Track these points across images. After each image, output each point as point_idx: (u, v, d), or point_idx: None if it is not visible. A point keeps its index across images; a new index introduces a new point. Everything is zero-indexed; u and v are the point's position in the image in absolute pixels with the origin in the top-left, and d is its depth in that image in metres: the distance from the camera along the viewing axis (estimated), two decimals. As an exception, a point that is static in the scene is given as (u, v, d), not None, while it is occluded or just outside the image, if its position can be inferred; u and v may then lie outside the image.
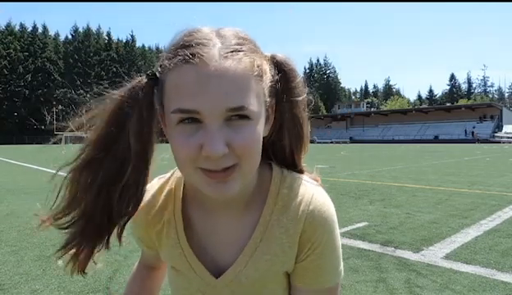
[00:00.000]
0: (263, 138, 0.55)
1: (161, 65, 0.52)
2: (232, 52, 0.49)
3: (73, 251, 0.58)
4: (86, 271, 0.62)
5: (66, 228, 0.57)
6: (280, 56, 0.58)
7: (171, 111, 0.50)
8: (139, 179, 0.56)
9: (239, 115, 0.49)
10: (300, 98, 0.60)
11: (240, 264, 0.60)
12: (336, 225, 0.60)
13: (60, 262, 0.60)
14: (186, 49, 0.49)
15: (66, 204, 0.57)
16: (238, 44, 0.51)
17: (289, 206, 0.59)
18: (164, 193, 0.65)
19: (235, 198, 0.59)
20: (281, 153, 0.63)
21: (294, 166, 0.64)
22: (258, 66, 0.52)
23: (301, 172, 0.65)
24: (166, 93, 0.51)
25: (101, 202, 0.55)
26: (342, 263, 0.62)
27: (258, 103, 0.51)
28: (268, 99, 0.55)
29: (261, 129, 0.53)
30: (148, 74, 0.55)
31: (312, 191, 0.60)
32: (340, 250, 0.61)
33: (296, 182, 0.61)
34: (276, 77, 0.57)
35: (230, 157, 0.49)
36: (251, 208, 0.61)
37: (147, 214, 0.64)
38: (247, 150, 0.50)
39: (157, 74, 0.53)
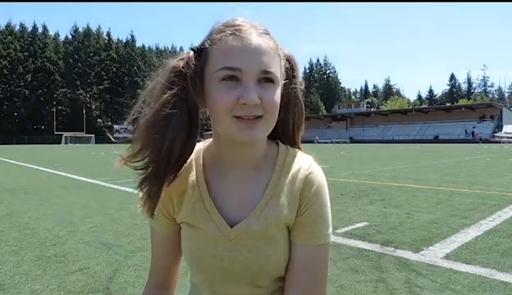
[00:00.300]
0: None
1: (210, 39, 0.68)
2: (263, 33, 0.68)
3: (146, 190, 0.71)
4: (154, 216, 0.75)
5: (141, 169, 0.70)
6: (287, 50, 0.76)
7: (218, 69, 0.65)
8: (197, 131, 0.71)
9: (267, 78, 0.66)
10: (301, 86, 0.79)
11: (253, 217, 0.72)
12: (327, 192, 0.75)
13: (138, 206, 0.75)
14: (232, 27, 0.67)
15: (140, 152, 0.70)
16: (265, 30, 0.69)
17: (292, 170, 0.74)
18: (187, 162, 0.75)
19: (248, 162, 0.74)
20: (286, 128, 0.80)
21: (295, 144, 0.81)
22: (278, 50, 0.71)
23: (299, 149, 0.81)
24: (213, 58, 0.67)
25: (170, 149, 0.68)
26: (331, 229, 0.75)
27: (279, 73, 0.69)
28: (282, 79, 0.73)
29: (279, 93, 0.69)
30: (193, 49, 0.71)
31: (309, 161, 0.76)
32: (330, 216, 0.75)
33: (297, 154, 0.77)
34: (287, 65, 0.75)
35: (259, 109, 0.65)
36: (261, 173, 0.75)
37: (175, 177, 0.74)
38: (271, 105, 0.66)
39: (206, 45, 0.69)
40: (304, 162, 0.75)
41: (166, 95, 0.67)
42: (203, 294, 0.79)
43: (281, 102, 0.71)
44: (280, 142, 0.79)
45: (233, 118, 0.65)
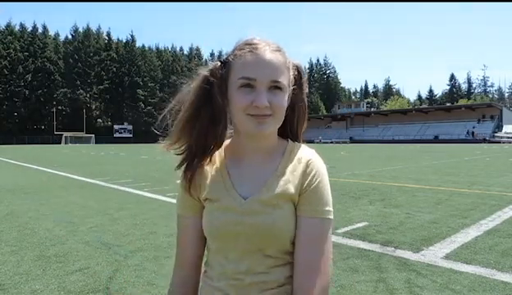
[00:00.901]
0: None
1: (233, 54, 0.86)
2: (275, 51, 0.85)
3: (184, 166, 0.91)
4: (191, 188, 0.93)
5: (180, 154, 0.91)
6: (297, 61, 0.92)
7: (238, 78, 0.83)
8: (221, 125, 0.89)
9: (276, 86, 0.83)
10: (306, 90, 0.95)
11: (263, 189, 0.88)
12: (326, 176, 0.90)
13: (178, 181, 0.93)
14: (251, 45, 0.85)
15: (178, 140, 0.90)
16: (277, 48, 0.86)
17: (297, 157, 0.91)
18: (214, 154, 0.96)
19: (259, 151, 0.91)
20: (292, 125, 0.96)
21: (298, 137, 0.97)
22: (288, 63, 0.87)
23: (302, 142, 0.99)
24: (234, 69, 0.84)
25: (199, 139, 0.88)
26: (332, 208, 0.88)
27: (286, 83, 0.86)
28: (290, 85, 0.89)
29: (286, 98, 0.86)
30: (221, 61, 0.88)
31: (312, 151, 0.93)
32: (330, 197, 0.88)
33: (303, 146, 0.95)
34: (295, 73, 0.91)
35: (269, 110, 0.82)
36: (271, 160, 0.91)
37: (205, 161, 0.94)
38: (278, 107, 0.83)
39: (230, 59, 0.86)
40: (308, 152, 0.93)
41: (194, 99, 0.87)
42: (216, 266, 0.90)
43: (290, 103, 0.89)
44: (290, 140, 0.96)
45: (247, 116, 0.83)
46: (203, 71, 0.88)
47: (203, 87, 0.87)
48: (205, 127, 0.88)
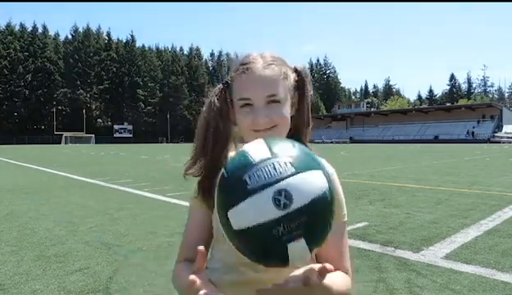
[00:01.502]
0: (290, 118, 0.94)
1: (231, 76, 0.94)
2: (269, 65, 0.90)
3: (202, 184, 0.95)
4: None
5: (197, 175, 0.96)
6: (299, 66, 0.97)
7: (237, 99, 0.90)
8: (228, 141, 0.94)
9: (273, 100, 0.88)
10: (310, 93, 0.99)
11: None
12: (338, 180, 0.97)
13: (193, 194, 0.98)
14: (244, 65, 0.91)
15: (196, 161, 0.95)
16: (272, 61, 0.91)
17: None
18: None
19: None
20: (296, 131, 0.99)
21: (304, 143, 0.98)
22: (284, 72, 0.92)
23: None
24: (234, 90, 0.92)
25: (212, 158, 0.92)
26: (346, 210, 0.98)
27: (284, 93, 0.90)
28: (292, 92, 0.94)
29: (287, 108, 0.92)
30: (223, 83, 0.95)
31: (322, 159, 0.96)
32: (344, 199, 0.98)
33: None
34: (297, 78, 0.95)
35: (270, 123, 0.89)
36: None
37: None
38: (279, 119, 0.89)
39: (229, 81, 0.94)
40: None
41: (208, 128, 0.92)
42: (220, 256, 0.94)
43: (297, 110, 0.95)
44: None
45: (253, 131, 0.90)
46: (211, 98, 0.94)
47: (211, 115, 0.92)
48: (220, 146, 0.92)
